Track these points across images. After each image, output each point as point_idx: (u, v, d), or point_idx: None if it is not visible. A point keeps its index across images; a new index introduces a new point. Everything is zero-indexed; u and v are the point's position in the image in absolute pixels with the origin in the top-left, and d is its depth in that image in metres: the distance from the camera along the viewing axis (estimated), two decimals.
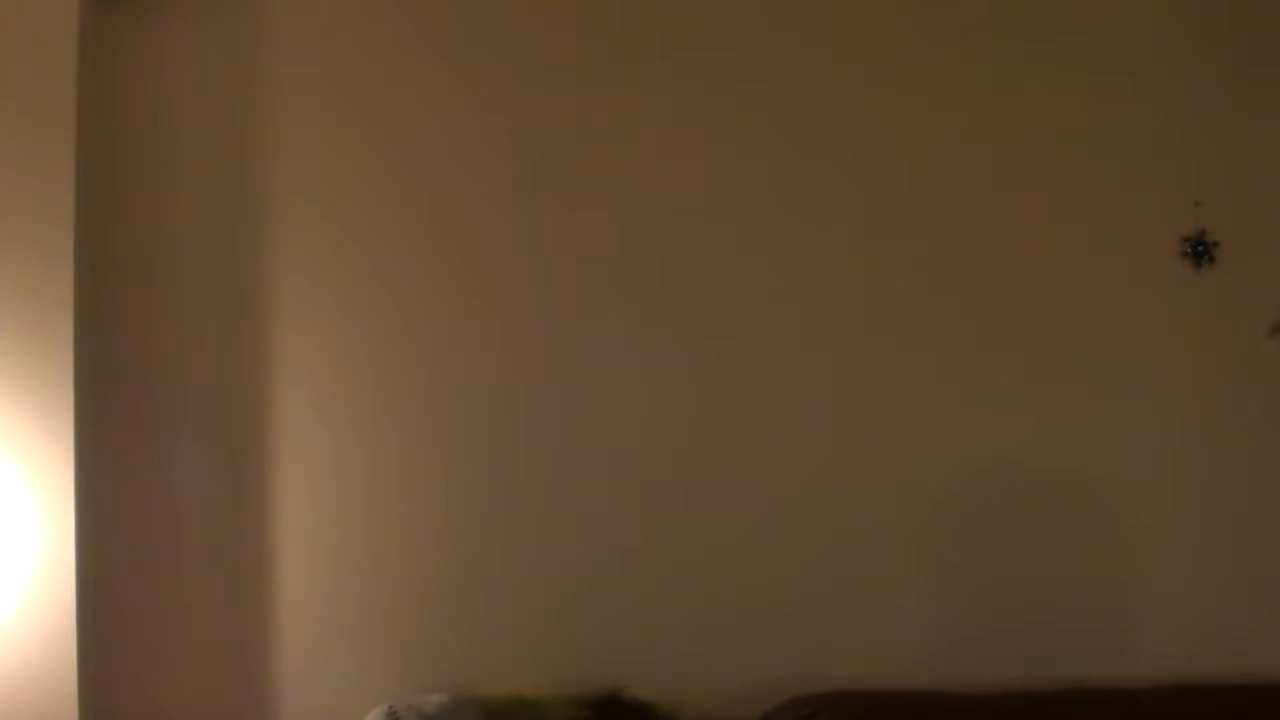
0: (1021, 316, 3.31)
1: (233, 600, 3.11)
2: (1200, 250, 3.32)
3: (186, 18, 3.15)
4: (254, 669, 3.10)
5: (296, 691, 3.10)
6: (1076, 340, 3.32)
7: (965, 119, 3.33)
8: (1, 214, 2.88)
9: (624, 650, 3.15)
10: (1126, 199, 3.35)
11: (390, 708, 2.96)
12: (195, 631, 3.09)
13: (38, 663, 2.83)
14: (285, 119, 3.18)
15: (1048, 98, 3.34)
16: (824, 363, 3.27)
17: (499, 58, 3.24)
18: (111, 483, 3.03)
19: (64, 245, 2.90)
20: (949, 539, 3.26)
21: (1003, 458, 3.29)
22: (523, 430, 3.19)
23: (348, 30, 3.21)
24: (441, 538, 3.16)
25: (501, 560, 3.17)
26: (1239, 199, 3.35)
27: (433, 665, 3.12)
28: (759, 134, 3.28)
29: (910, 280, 3.29)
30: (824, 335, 3.27)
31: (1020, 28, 3.36)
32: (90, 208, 3.00)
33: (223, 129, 3.17)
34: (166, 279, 3.14)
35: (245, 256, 3.16)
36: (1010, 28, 3.36)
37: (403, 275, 3.19)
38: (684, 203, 3.26)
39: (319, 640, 3.12)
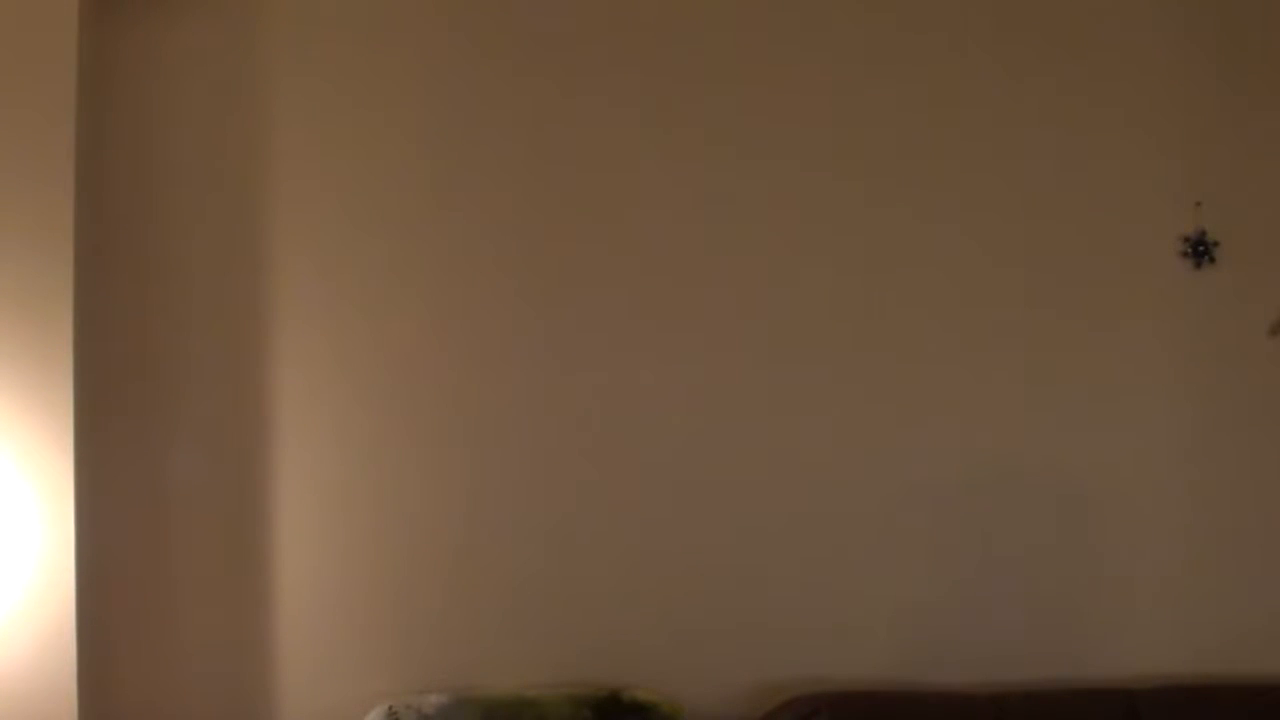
0: (1021, 316, 3.31)
1: (233, 599, 3.11)
2: (1200, 250, 3.33)
3: (186, 18, 3.15)
4: (254, 669, 3.10)
5: (296, 691, 3.10)
6: (1076, 339, 3.32)
7: (964, 120, 3.33)
8: (1, 214, 2.88)
9: (624, 650, 3.15)
10: (1126, 199, 3.35)
11: (390, 708, 2.96)
12: (195, 631, 3.10)
13: (38, 662, 2.83)
14: (285, 119, 3.18)
15: (1048, 98, 3.34)
16: (826, 366, 3.27)
17: (500, 58, 3.24)
18: (111, 480, 3.03)
19: (64, 245, 2.90)
20: (951, 540, 3.26)
21: (1003, 458, 3.29)
22: (524, 431, 3.19)
23: (346, 30, 3.22)
24: (442, 538, 3.16)
25: (502, 560, 3.17)
26: (1239, 199, 3.35)
27: (433, 665, 3.12)
28: (758, 132, 3.28)
29: (908, 280, 3.29)
30: (825, 339, 3.27)
31: (1020, 29, 3.36)
32: (90, 208, 3.00)
33: (222, 129, 3.17)
34: (166, 278, 3.14)
35: (245, 255, 3.16)
36: (1010, 29, 3.36)
37: (403, 273, 3.19)
38: (684, 203, 3.26)
39: (319, 640, 3.12)
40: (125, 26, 3.11)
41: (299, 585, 3.12)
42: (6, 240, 2.88)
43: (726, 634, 3.20)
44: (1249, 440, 3.33)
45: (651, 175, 3.26)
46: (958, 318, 3.30)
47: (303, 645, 3.11)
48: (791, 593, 3.23)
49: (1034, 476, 3.29)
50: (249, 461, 3.13)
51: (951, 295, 3.30)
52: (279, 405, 3.14)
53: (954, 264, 3.30)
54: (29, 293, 2.88)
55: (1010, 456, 3.29)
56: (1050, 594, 3.26)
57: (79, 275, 2.92)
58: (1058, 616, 3.26)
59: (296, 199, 3.17)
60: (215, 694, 3.09)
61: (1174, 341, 3.34)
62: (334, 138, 3.19)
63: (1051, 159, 3.34)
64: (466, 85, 3.23)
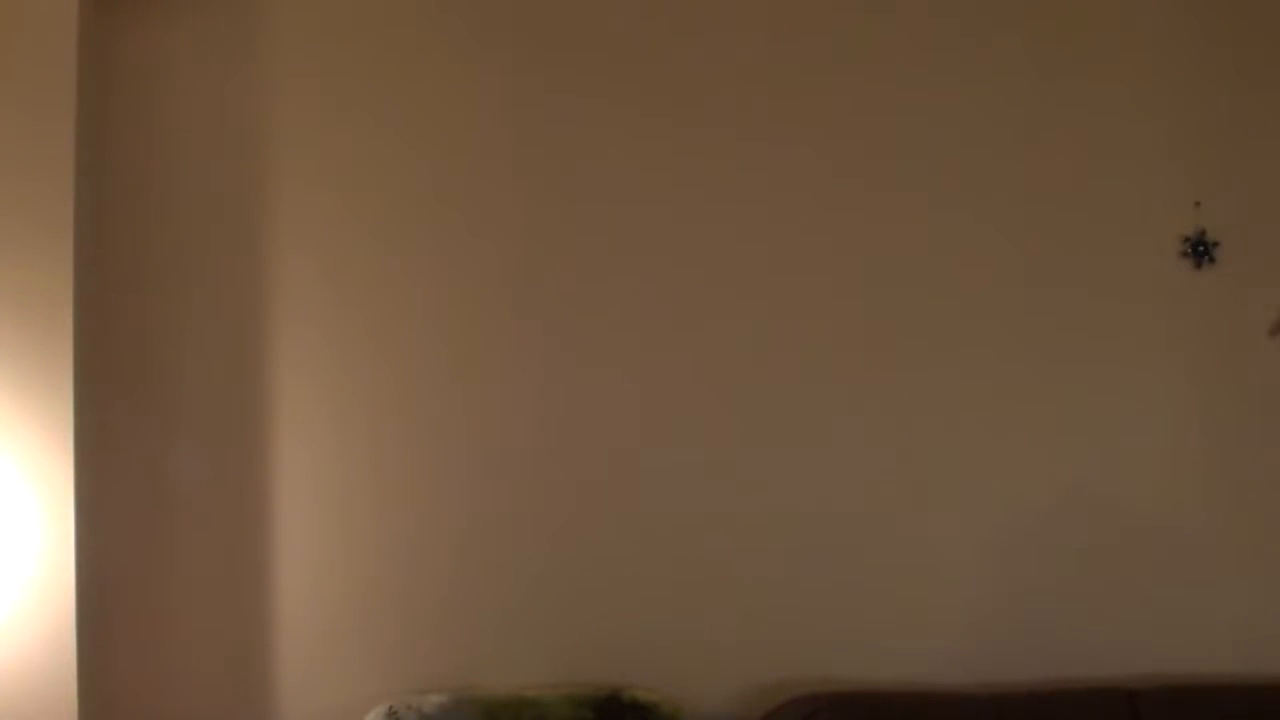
0: (1022, 317, 3.31)
1: (233, 600, 3.11)
2: (1200, 250, 3.33)
3: (186, 18, 3.16)
4: (254, 669, 3.10)
5: (296, 691, 3.10)
6: (1077, 340, 3.32)
7: (966, 123, 3.33)
8: (1, 214, 2.88)
9: (624, 650, 3.15)
10: (1126, 199, 3.35)
11: (390, 708, 2.96)
12: (195, 632, 3.10)
13: (38, 663, 2.83)
14: (284, 118, 3.18)
15: (1047, 100, 3.34)
16: (826, 367, 3.27)
17: (499, 57, 3.25)
18: (111, 480, 3.03)
19: (64, 245, 2.90)
20: (949, 540, 3.26)
21: (1002, 458, 3.29)
22: (525, 432, 3.19)
23: (345, 29, 3.22)
24: (442, 538, 3.16)
25: (502, 561, 3.17)
26: (1239, 199, 3.35)
27: (433, 665, 3.12)
28: (760, 129, 3.28)
29: (910, 281, 3.29)
30: (825, 338, 3.28)
31: (1020, 31, 3.36)
32: (90, 208, 3.00)
33: (222, 128, 3.17)
34: (166, 279, 3.14)
35: (245, 255, 3.16)
36: (1010, 31, 3.36)
37: (403, 274, 3.19)
38: (689, 204, 3.26)
39: (319, 640, 3.12)
40: (125, 26, 3.12)
41: (299, 585, 3.12)
42: (6, 240, 2.88)
43: (727, 634, 3.20)
44: (1249, 440, 3.32)
45: (655, 176, 3.26)
46: (954, 318, 3.30)
47: (303, 645, 3.11)
48: (791, 593, 3.22)
49: (1032, 476, 3.29)
50: (249, 461, 3.13)
51: (949, 296, 3.30)
52: (279, 405, 3.14)
53: (952, 264, 3.30)
54: (29, 293, 2.88)
55: (1008, 457, 3.29)
56: (1051, 594, 3.26)
57: (79, 275, 2.92)
58: (1059, 617, 3.26)
59: (296, 198, 3.17)
60: (215, 694, 3.09)
61: (1174, 341, 3.34)
62: (334, 138, 3.19)
63: (1051, 159, 3.34)
64: (467, 85, 3.23)
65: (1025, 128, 3.34)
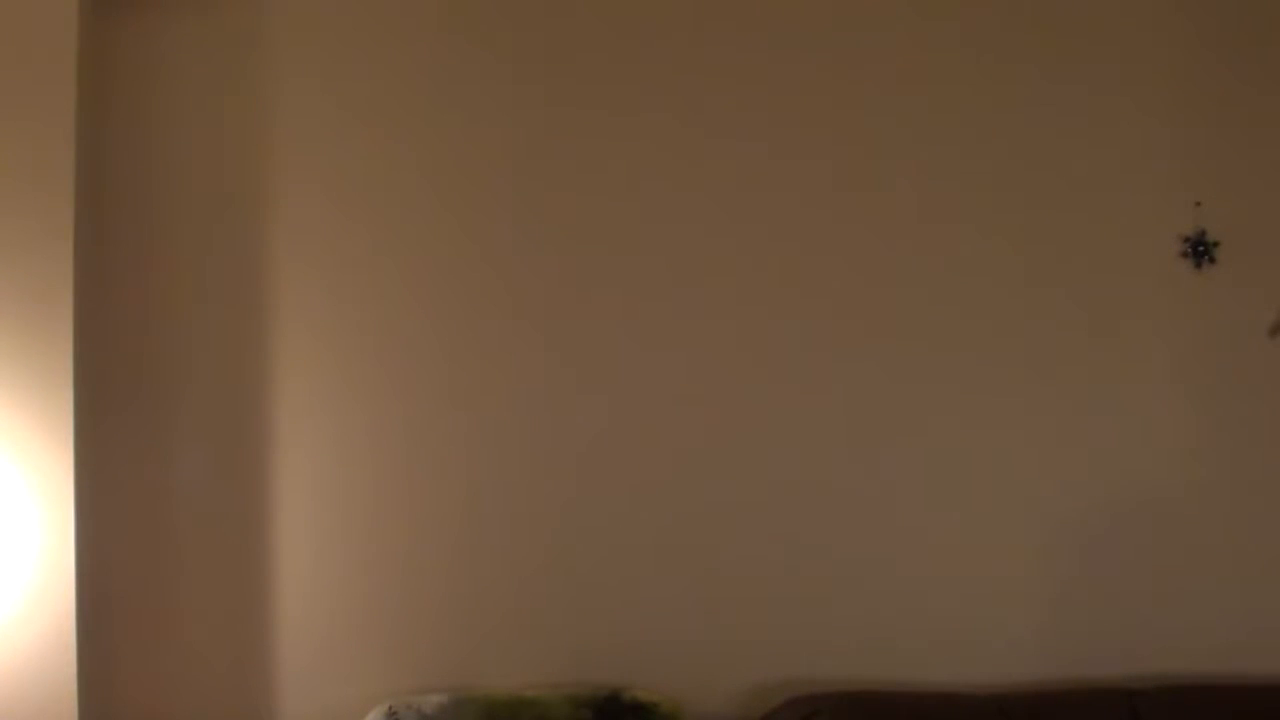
0: (1022, 317, 3.31)
1: (233, 600, 3.11)
2: (1200, 250, 3.33)
3: (186, 18, 3.15)
4: (254, 669, 3.10)
5: (296, 691, 3.10)
6: (1076, 339, 3.32)
7: (966, 124, 3.33)
8: (1, 214, 2.88)
9: (624, 650, 3.15)
10: (1126, 199, 3.35)
11: (390, 708, 2.96)
12: (195, 631, 3.10)
13: (38, 663, 2.83)
14: (284, 119, 3.18)
15: (1048, 100, 3.34)
16: (828, 370, 3.27)
17: (499, 57, 3.24)
18: (111, 480, 3.03)
19: (63, 245, 2.90)
20: (949, 541, 3.26)
21: (1001, 458, 3.29)
22: (525, 430, 3.19)
23: (347, 30, 3.22)
24: (442, 538, 3.16)
25: (502, 560, 3.17)
26: (1239, 199, 3.36)
27: (433, 665, 3.12)
28: (759, 133, 3.28)
29: (910, 282, 3.29)
30: (828, 340, 3.27)
31: (1021, 31, 3.36)
32: (90, 208, 3.00)
33: (222, 129, 3.17)
34: (166, 279, 3.14)
35: (245, 256, 3.16)
36: (1011, 31, 3.36)
37: (403, 274, 3.19)
38: (690, 204, 3.26)
39: (319, 640, 3.12)
40: (125, 26, 3.11)
41: (299, 585, 3.12)
42: (6, 240, 2.88)
43: (727, 634, 3.20)
44: (1248, 440, 3.33)
45: (654, 181, 3.25)
46: (953, 319, 3.30)
47: (303, 645, 3.11)
48: (792, 593, 3.22)
49: (1031, 476, 3.29)
50: (249, 462, 3.13)
51: (947, 297, 3.30)
52: (279, 405, 3.14)
53: (951, 266, 3.30)
54: (29, 293, 2.88)
55: (1006, 457, 3.29)
56: (1051, 594, 3.26)
57: (79, 275, 2.92)
58: (1059, 616, 3.26)
59: (296, 198, 3.17)
60: (215, 694, 3.09)
61: (1174, 341, 3.34)
62: (334, 138, 3.19)
63: (1051, 159, 3.34)
64: (468, 85, 3.23)
65: (1026, 128, 3.34)
